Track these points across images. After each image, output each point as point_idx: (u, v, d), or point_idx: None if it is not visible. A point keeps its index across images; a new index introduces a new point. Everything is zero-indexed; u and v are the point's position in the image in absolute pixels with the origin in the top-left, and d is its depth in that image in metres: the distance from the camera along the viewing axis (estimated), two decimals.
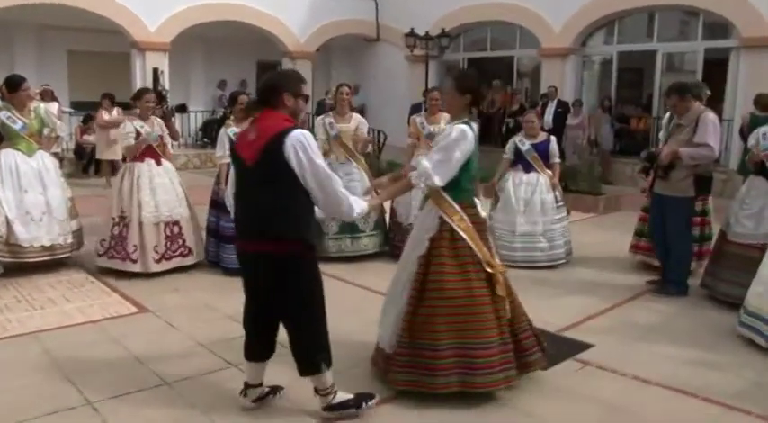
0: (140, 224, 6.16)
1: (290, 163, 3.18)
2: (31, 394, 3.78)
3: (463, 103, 3.83)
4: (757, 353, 4.52)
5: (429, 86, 13.14)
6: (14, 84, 6.25)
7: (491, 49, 16.92)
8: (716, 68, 12.69)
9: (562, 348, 4.58)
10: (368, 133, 7.61)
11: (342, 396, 3.52)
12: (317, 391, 3.50)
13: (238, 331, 3.71)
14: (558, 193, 6.97)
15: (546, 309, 5.45)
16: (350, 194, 3.45)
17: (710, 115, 5.60)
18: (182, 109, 16.44)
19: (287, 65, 17.03)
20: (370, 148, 7.27)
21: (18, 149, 6.18)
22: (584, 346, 4.62)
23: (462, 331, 3.66)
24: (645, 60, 14.23)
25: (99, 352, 4.41)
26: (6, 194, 6.03)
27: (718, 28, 12.98)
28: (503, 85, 15.58)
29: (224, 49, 17.07)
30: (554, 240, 6.84)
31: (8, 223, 5.97)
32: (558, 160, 7.07)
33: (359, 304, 5.34)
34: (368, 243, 6.95)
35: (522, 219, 6.82)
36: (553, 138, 7.18)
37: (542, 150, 6.96)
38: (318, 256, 6.43)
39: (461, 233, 3.72)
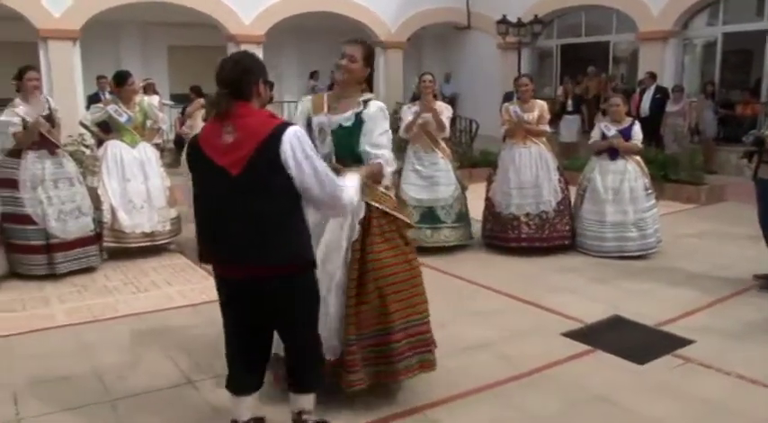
0: None
1: (287, 167, 2.72)
2: (137, 371, 4.00)
3: (363, 76, 3.59)
4: None
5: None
6: (122, 78, 6.61)
7: (586, 34, 16.39)
8: None
9: (661, 343, 4.42)
10: (459, 122, 7.34)
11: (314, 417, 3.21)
12: (301, 413, 3.12)
13: None
14: (646, 180, 6.69)
15: (643, 301, 5.28)
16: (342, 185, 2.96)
17: None
18: (269, 99, 16.79)
19: (380, 55, 17.09)
20: (447, 131, 6.91)
21: (123, 141, 6.54)
22: (685, 342, 4.42)
23: (407, 308, 3.50)
24: (754, 41, 13.35)
25: (199, 333, 4.59)
26: (111, 183, 6.44)
27: None
28: (598, 71, 15.09)
29: (315, 39, 17.29)
30: (646, 229, 6.57)
31: (113, 210, 6.38)
32: (638, 142, 6.72)
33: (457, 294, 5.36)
34: (449, 235, 6.69)
35: (612, 208, 6.58)
36: (637, 122, 6.86)
37: (628, 136, 6.67)
38: None
39: (392, 212, 3.52)
